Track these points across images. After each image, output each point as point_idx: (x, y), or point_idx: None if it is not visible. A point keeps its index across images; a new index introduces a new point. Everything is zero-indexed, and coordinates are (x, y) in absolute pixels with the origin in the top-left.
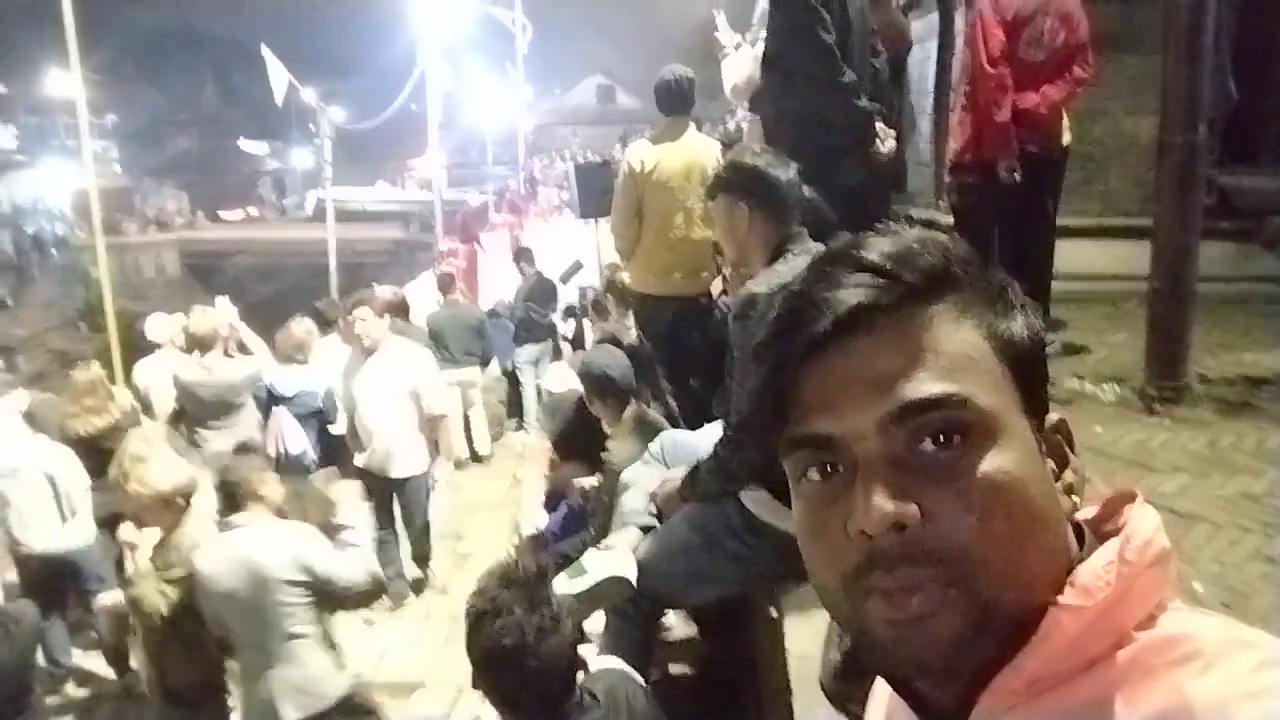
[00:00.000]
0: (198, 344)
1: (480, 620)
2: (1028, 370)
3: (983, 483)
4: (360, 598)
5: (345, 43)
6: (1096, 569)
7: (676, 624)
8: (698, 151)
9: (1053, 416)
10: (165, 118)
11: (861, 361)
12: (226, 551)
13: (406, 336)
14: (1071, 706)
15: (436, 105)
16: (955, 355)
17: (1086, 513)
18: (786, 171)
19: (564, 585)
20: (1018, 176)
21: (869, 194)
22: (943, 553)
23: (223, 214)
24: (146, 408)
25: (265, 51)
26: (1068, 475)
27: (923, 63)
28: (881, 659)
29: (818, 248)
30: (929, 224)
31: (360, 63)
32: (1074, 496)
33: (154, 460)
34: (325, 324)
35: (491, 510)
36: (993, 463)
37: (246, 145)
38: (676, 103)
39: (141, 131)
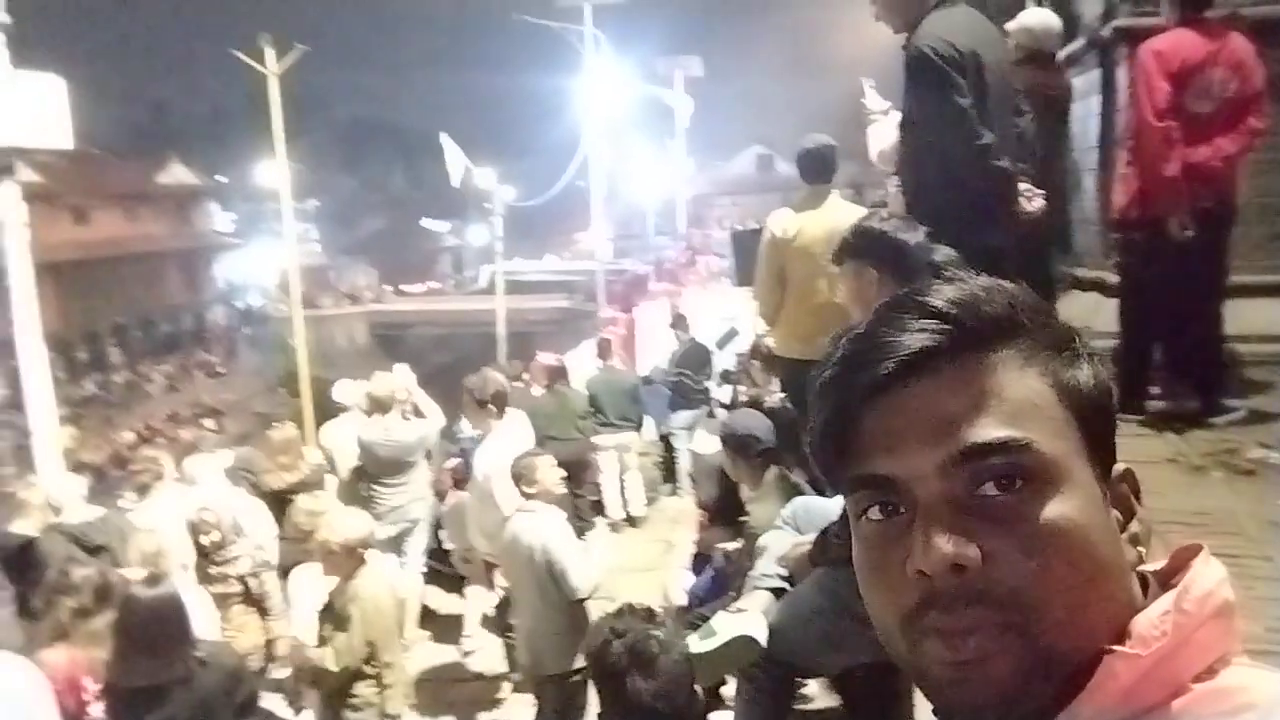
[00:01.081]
0: (378, 407)
1: (603, 647)
2: (1093, 419)
3: (1044, 528)
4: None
5: (517, 127)
6: (1152, 618)
7: (818, 694)
8: (840, 218)
9: (1119, 466)
10: (359, 201)
11: (924, 404)
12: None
13: (567, 400)
14: None
15: (600, 181)
16: (1019, 401)
17: (1155, 565)
18: (914, 235)
19: (695, 645)
20: (1190, 233)
21: (1021, 255)
22: (1001, 596)
23: (406, 288)
24: (332, 465)
25: (444, 139)
26: (1134, 525)
27: (1085, 119)
28: (937, 699)
29: None
30: (1097, 285)
31: (530, 144)
32: (1140, 547)
33: (337, 514)
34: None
35: (643, 573)
36: (1055, 509)
37: (428, 224)
38: (818, 170)
39: (338, 214)
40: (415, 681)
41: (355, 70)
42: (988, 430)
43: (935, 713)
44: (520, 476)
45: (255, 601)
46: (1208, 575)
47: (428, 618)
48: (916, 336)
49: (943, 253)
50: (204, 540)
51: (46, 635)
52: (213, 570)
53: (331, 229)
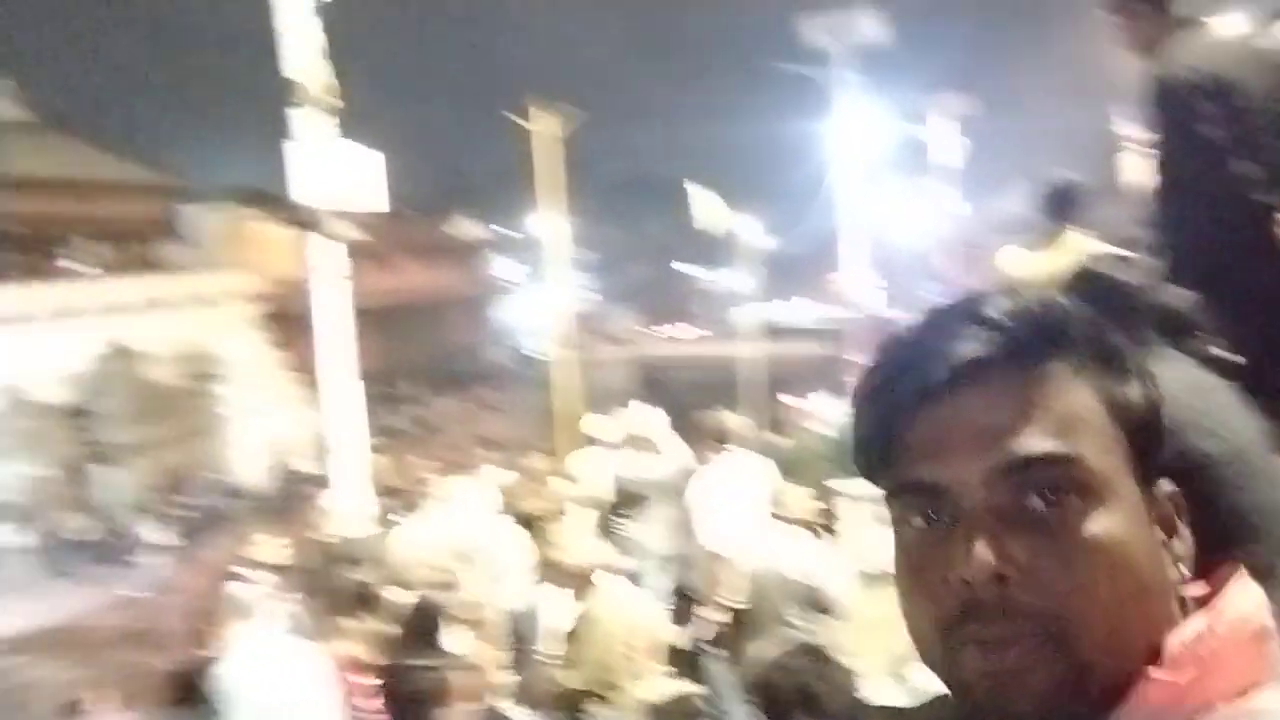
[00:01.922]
0: (631, 443)
1: (771, 681)
2: (1141, 435)
3: (1087, 543)
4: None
5: (773, 170)
6: (1185, 639)
7: None
8: (1073, 257)
9: (1166, 485)
10: (627, 249)
11: (973, 413)
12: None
13: (810, 444)
14: None
15: (853, 224)
16: (1068, 414)
17: (1200, 587)
18: (1135, 275)
19: (892, 697)
20: None
21: None
22: (1042, 609)
23: (663, 330)
24: (581, 496)
25: (690, 187)
26: (1176, 545)
27: None
28: (971, 709)
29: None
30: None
31: (785, 187)
32: (1182, 567)
33: (572, 538)
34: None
35: (889, 630)
36: (1099, 524)
37: (685, 269)
38: (1058, 208)
39: (609, 262)
40: (651, 712)
41: (629, 127)
42: (1035, 442)
43: None
44: (774, 502)
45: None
46: (1244, 599)
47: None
48: (969, 345)
49: (1178, 295)
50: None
51: (324, 632)
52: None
53: (601, 276)
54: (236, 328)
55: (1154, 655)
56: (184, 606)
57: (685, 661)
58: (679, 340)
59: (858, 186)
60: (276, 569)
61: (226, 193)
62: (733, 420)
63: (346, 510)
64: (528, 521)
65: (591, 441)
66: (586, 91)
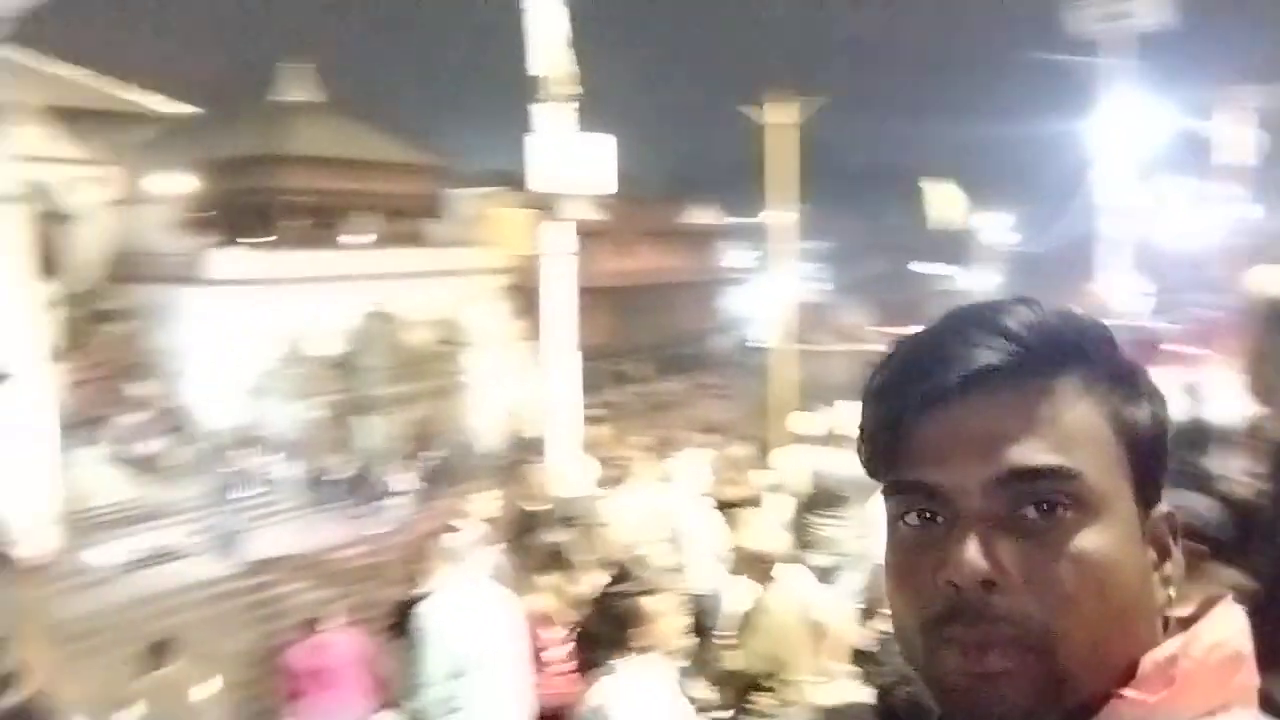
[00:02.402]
0: (834, 441)
1: (889, 691)
2: (1145, 457)
3: (1078, 557)
4: None
5: (1026, 167)
6: (1159, 660)
7: None
8: None
9: (1163, 507)
10: (863, 242)
11: (979, 420)
12: None
13: None
14: None
15: (1118, 225)
16: (1072, 429)
17: (1186, 609)
18: None
19: None
20: None
21: None
22: (1026, 618)
23: (897, 330)
24: (780, 489)
25: (924, 184)
26: (1168, 567)
27: None
28: (948, 708)
29: None
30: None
31: (1039, 185)
32: (1171, 589)
33: (756, 525)
34: None
35: None
36: (1092, 540)
37: (920, 267)
38: None
39: (843, 254)
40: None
41: (871, 117)
42: (1037, 455)
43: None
44: None
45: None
46: (1223, 624)
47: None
48: (983, 353)
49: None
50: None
51: (524, 585)
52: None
53: (834, 268)
54: (482, 299)
55: (1132, 673)
56: (409, 547)
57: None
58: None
59: (1123, 186)
60: (487, 521)
61: (481, 176)
62: None
63: (560, 474)
64: (727, 507)
65: (798, 436)
66: (827, 79)
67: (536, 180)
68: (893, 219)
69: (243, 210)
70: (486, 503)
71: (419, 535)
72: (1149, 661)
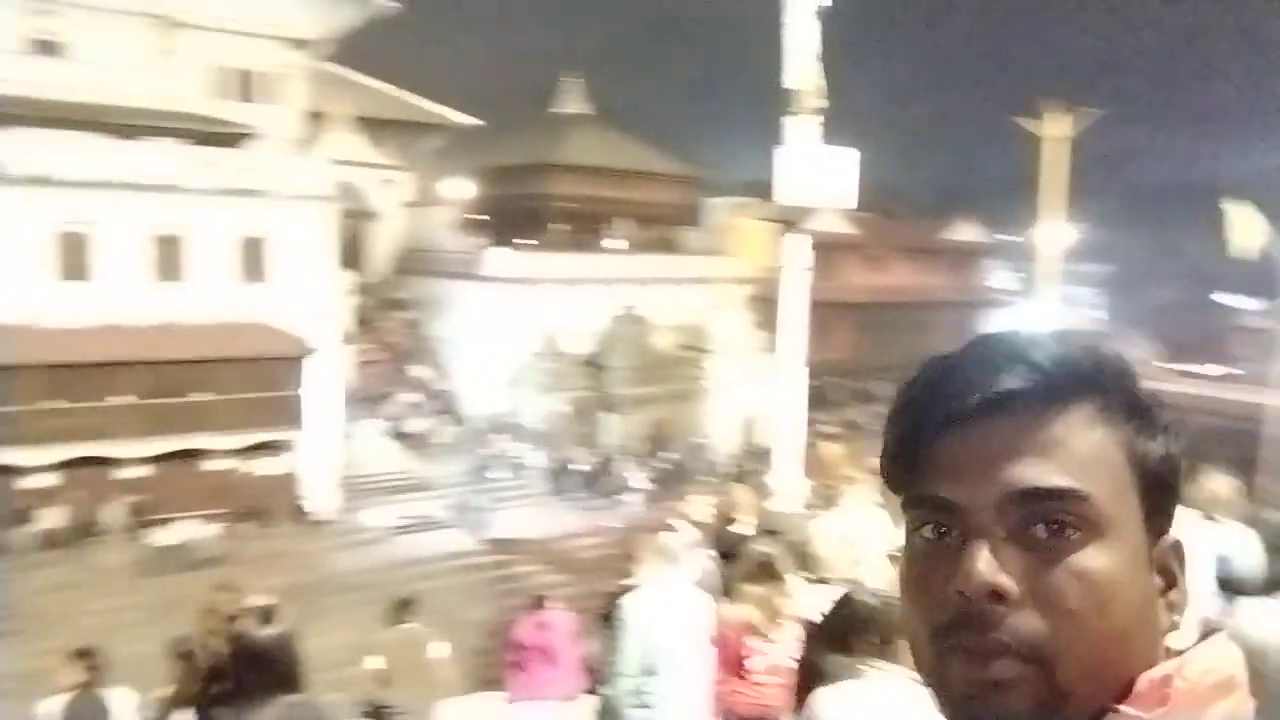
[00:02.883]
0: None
1: None
2: (1156, 488)
3: (1083, 575)
4: None
5: None
6: (1154, 678)
7: None
8: None
9: (1171, 536)
10: (1150, 268)
11: (997, 441)
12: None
13: None
14: None
15: None
16: (1085, 454)
17: (1190, 637)
18: None
19: None
20: None
21: None
22: (1030, 630)
23: (1187, 368)
24: None
25: (1226, 205)
26: (1173, 594)
27: None
28: (951, 711)
29: None
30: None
31: None
32: (1175, 616)
33: None
34: None
35: None
36: (1097, 560)
37: (1224, 299)
38: None
39: (1124, 279)
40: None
41: (1158, 130)
42: (1049, 477)
43: None
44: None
45: None
46: (1216, 653)
47: None
48: (1004, 378)
49: None
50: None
51: (727, 594)
52: None
53: (1115, 295)
54: (728, 308)
55: (1130, 691)
56: (625, 540)
57: None
58: (1197, 377)
59: None
60: (701, 526)
61: (736, 186)
62: (1223, 486)
63: (781, 486)
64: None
65: None
66: (1109, 91)
67: (782, 192)
68: (1188, 242)
69: (515, 214)
70: (701, 508)
71: (637, 530)
72: (1145, 680)
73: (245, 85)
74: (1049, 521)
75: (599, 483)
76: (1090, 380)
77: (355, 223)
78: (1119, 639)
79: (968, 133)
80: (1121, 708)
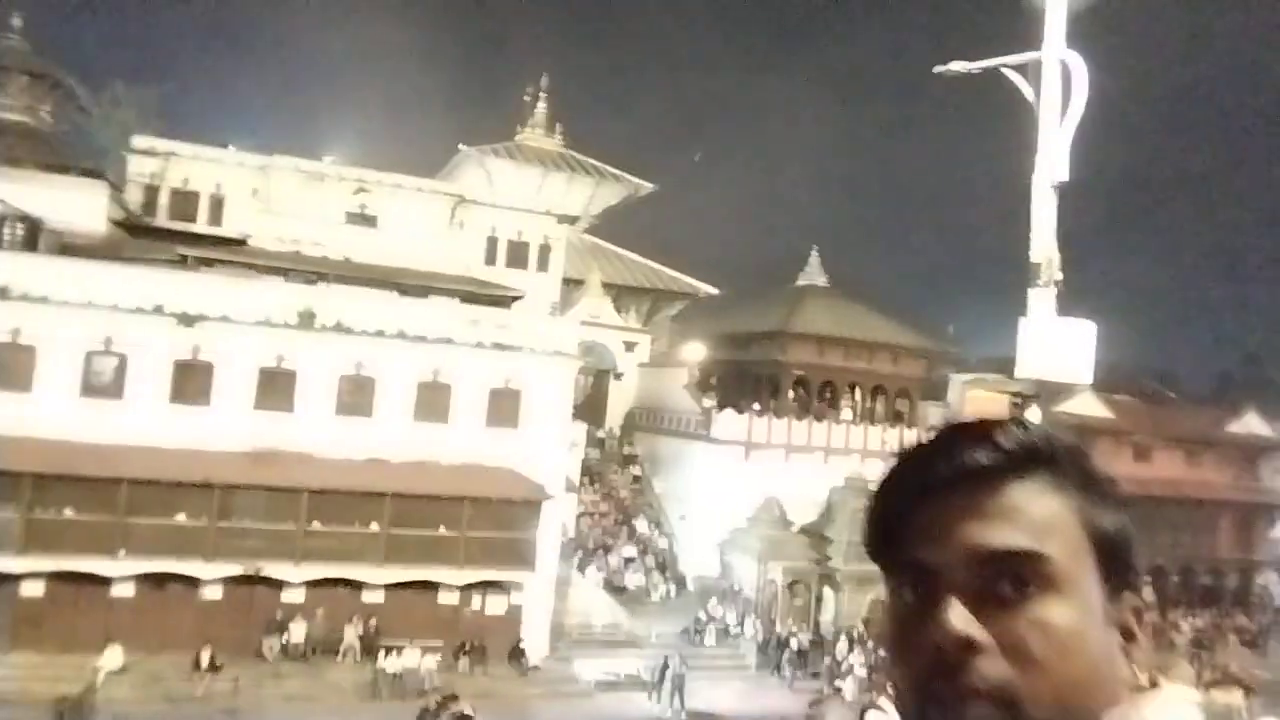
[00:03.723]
0: None
1: None
2: (1109, 551)
3: (1044, 627)
4: None
5: None
6: None
7: None
8: None
9: (1129, 596)
10: None
11: (963, 509)
12: None
13: None
14: None
15: None
16: (1042, 519)
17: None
18: None
19: None
20: None
21: None
22: (999, 677)
23: None
24: None
25: None
26: (1134, 650)
27: None
28: None
29: None
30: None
31: None
32: (1136, 669)
33: None
34: None
35: None
36: (1057, 614)
37: None
38: None
39: None
40: None
41: None
42: (1012, 539)
43: None
44: None
45: None
46: (1173, 698)
47: None
48: (972, 455)
49: None
50: None
51: None
52: None
53: None
54: None
55: None
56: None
57: None
58: None
59: None
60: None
61: (982, 363)
62: None
63: None
64: None
65: None
66: None
67: (1022, 365)
68: None
69: (747, 379)
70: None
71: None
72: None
73: (516, 254)
74: (1012, 579)
75: (811, 661)
76: (1046, 457)
77: (596, 380)
78: (1081, 684)
79: (1262, 317)
80: None
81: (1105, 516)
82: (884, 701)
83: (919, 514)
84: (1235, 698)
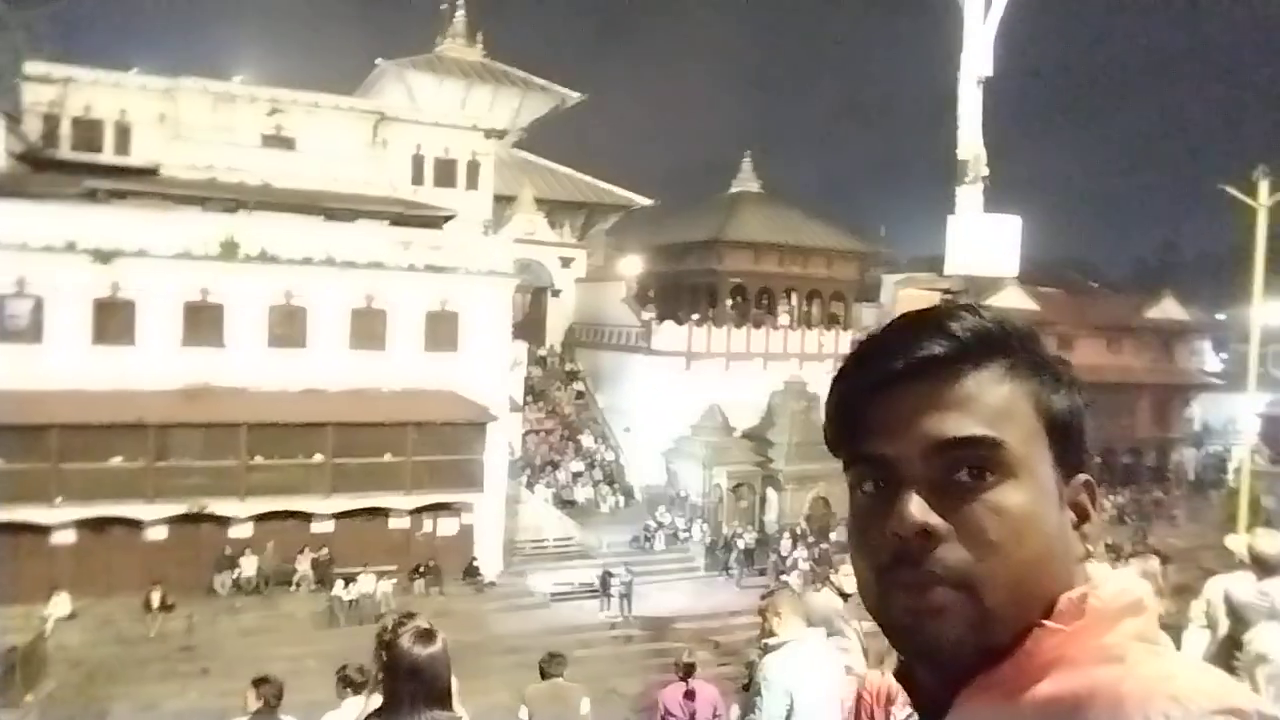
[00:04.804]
0: (1257, 564)
1: None
2: (1061, 433)
3: (1001, 511)
4: None
5: None
6: (1072, 598)
7: None
8: None
9: (1081, 476)
10: None
11: (920, 400)
12: None
13: None
14: (1011, 694)
15: None
16: (997, 407)
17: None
18: None
19: None
20: None
21: None
22: (958, 562)
23: None
24: (1208, 619)
25: None
26: (1086, 526)
27: None
28: (898, 642)
29: None
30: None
31: None
32: (1089, 545)
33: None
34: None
35: None
36: (1013, 498)
37: None
38: None
39: None
40: None
41: None
42: (967, 427)
43: (896, 650)
44: None
45: None
46: (1128, 578)
47: None
48: (924, 345)
49: None
50: None
51: (874, 659)
52: None
53: None
54: None
55: (1050, 613)
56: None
57: None
58: None
59: None
60: (847, 595)
61: (913, 263)
62: None
63: None
64: None
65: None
66: None
67: (951, 263)
68: None
69: (685, 290)
70: (849, 579)
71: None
72: (1065, 599)
73: (444, 172)
74: (969, 466)
75: (756, 560)
76: (1000, 345)
77: (534, 298)
78: (1037, 565)
79: (1174, 205)
80: (1046, 622)
81: (1058, 399)
82: (826, 589)
83: (876, 407)
84: (1153, 565)
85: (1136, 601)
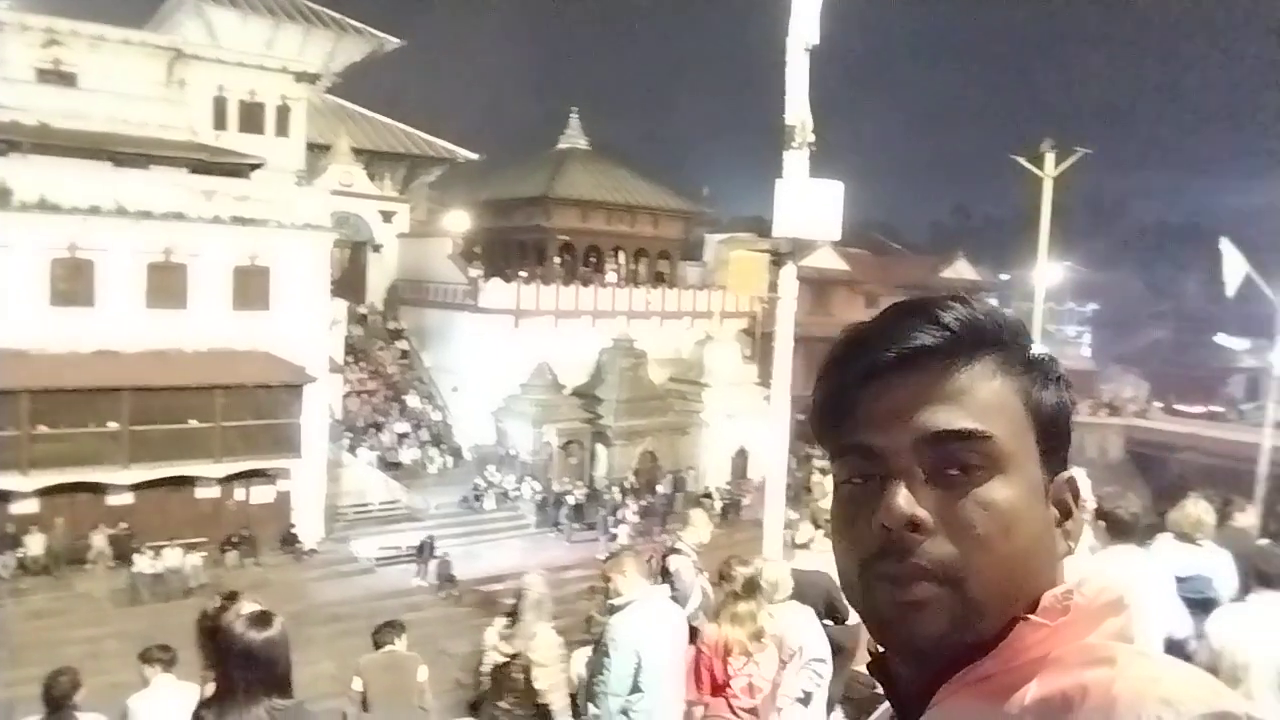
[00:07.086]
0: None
1: None
2: (1049, 430)
3: (988, 506)
4: None
5: None
6: (1056, 594)
7: None
8: None
9: (1065, 473)
10: (1142, 308)
11: (910, 392)
12: None
13: None
14: (998, 693)
15: None
16: (986, 400)
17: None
18: None
19: None
20: None
21: None
22: (944, 555)
23: (1180, 406)
24: None
25: (1223, 245)
26: (1068, 523)
27: None
28: (880, 634)
29: None
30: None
31: None
32: (1071, 542)
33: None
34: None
35: None
36: (1001, 493)
37: (1224, 340)
38: None
39: (1117, 319)
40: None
41: (1153, 172)
42: (959, 420)
43: (879, 642)
44: None
45: None
46: (1107, 575)
47: None
48: (916, 336)
49: None
50: None
51: (720, 613)
52: None
53: (1107, 335)
54: (722, 341)
55: (1033, 608)
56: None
57: None
58: (1196, 419)
59: None
60: (697, 549)
61: (738, 223)
62: (1204, 511)
63: (770, 524)
64: None
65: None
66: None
67: (779, 225)
68: (1186, 283)
69: (512, 247)
70: (700, 531)
71: (624, 549)
72: (1049, 595)
73: (250, 117)
74: (957, 459)
75: (587, 515)
76: (992, 339)
77: (353, 253)
78: (1021, 560)
79: (967, 172)
80: (1030, 617)
81: (1048, 395)
82: (682, 545)
83: (864, 398)
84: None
85: (1117, 600)
